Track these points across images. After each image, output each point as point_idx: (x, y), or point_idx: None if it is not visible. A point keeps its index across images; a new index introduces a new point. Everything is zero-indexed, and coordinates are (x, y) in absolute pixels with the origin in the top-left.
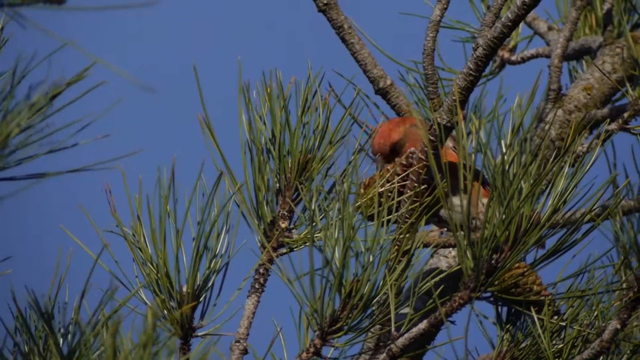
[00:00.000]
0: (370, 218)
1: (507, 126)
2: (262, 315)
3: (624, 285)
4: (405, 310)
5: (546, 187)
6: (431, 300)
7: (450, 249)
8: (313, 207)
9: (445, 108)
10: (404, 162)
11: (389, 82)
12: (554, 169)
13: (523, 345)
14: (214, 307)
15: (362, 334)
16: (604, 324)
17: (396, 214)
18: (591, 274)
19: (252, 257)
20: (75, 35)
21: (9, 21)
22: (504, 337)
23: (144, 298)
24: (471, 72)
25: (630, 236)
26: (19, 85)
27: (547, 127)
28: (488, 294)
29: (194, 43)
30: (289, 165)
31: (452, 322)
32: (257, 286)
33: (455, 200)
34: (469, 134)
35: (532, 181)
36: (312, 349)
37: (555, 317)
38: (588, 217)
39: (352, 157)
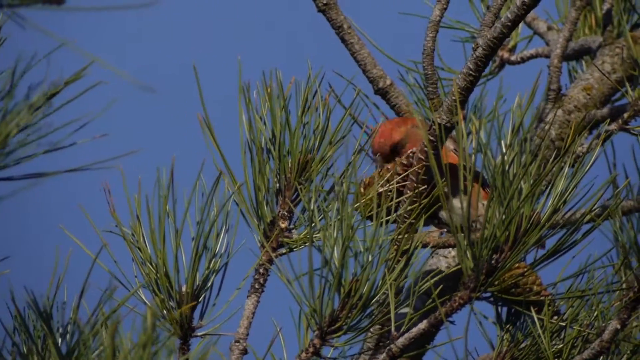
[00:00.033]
0: (371, 218)
1: (507, 126)
2: (261, 315)
3: (624, 286)
4: (405, 309)
5: (546, 188)
6: (431, 300)
7: (450, 249)
8: (312, 207)
9: (445, 108)
10: (405, 162)
11: (388, 82)
12: (554, 169)
13: (523, 345)
14: (213, 307)
15: (362, 333)
16: (604, 324)
17: (395, 214)
18: (591, 274)
19: (252, 257)
20: (75, 36)
21: (6, 20)
22: (504, 337)
23: (143, 298)
24: (471, 72)
25: (630, 236)
26: (18, 85)
27: (547, 127)
28: (488, 294)
29: (194, 43)
30: (289, 165)
31: (452, 322)
32: (257, 286)
33: (456, 202)
34: (468, 134)
35: (532, 181)
36: (311, 349)
37: (555, 317)
38: (588, 217)
39: (352, 158)
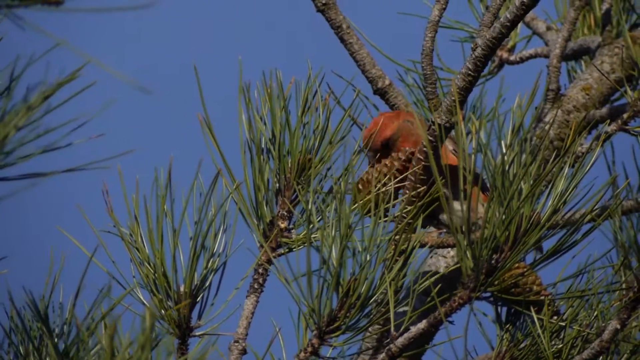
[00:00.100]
0: (370, 212)
1: (507, 126)
2: (261, 315)
3: (624, 286)
4: (403, 309)
5: (546, 188)
6: (430, 300)
7: (449, 249)
8: (310, 207)
9: (444, 108)
10: (402, 158)
11: (387, 82)
12: (554, 169)
13: (522, 345)
14: (212, 306)
15: (360, 333)
16: (603, 324)
17: (393, 214)
18: (591, 274)
19: (250, 257)
20: (74, 36)
21: (3, 19)
22: (504, 337)
23: (141, 297)
24: (470, 72)
25: (630, 236)
26: (17, 86)
27: (546, 127)
28: (488, 294)
29: (194, 43)
30: (289, 165)
31: (451, 322)
32: (256, 286)
33: (456, 204)
34: (468, 134)
35: (532, 182)
36: (310, 349)
37: (555, 317)
38: (588, 217)
39: (351, 159)
